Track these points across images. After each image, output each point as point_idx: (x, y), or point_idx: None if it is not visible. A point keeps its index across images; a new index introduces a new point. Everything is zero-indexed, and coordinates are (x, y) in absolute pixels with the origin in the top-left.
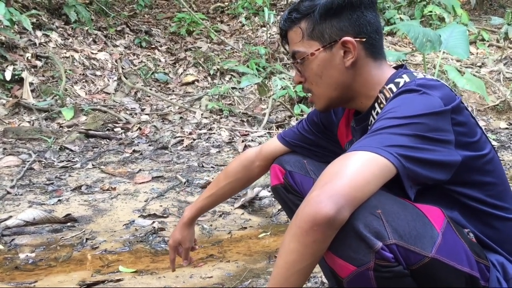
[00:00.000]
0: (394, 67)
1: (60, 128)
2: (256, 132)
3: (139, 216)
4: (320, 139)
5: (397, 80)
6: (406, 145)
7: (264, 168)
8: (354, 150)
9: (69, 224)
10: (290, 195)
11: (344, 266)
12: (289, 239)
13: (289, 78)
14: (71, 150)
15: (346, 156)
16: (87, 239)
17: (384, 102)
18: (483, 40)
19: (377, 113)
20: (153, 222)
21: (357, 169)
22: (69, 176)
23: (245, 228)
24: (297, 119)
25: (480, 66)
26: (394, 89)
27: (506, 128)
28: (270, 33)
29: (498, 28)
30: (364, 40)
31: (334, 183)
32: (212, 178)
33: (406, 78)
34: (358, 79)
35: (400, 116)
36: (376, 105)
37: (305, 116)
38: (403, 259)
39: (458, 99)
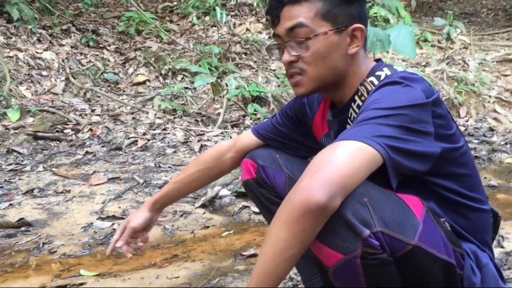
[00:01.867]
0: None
1: (6, 130)
2: (211, 131)
3: (97, 219)
4: (294, 132)
5: (378, 73)
6: (392, 135)
7: (236, 161)
8: (342, 139)
9: (23, 228)
10: (263, 190)
11: (331, 255)
12: (278, 227)
13: (242, 78)
14: (19, 153)
15: (334, 145)
16: (43, 243)
17: (366, 95)
18: (426, 40)
19: (358, 106)
20: (113, 224)
21: (347, 158)
22: (19, 179)
23: (208, 227)
24: (251, 118)
25: (424, 66)
26: (376, 82)
27: None
28: (221, 33)
29: (438, 29)
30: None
31: (325, 171)
32: (171, 178)
33: (387, 71)
34: (351, 68)
35: (386, 107)
36: (357, 97)
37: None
38: (388, 247)
39: (437, 93)
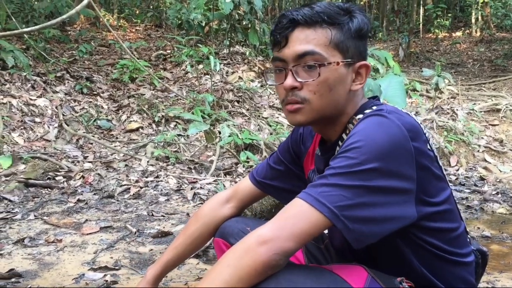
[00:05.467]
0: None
1: None
2: (204, 179)
3: (89, 269)
4: (289, 169)
5: (367, 110)
6: (352, 203)
7: (237, 210)
8: (302, 198)
9: (13, 280)
10: None
11: None
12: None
13: (235, 125)
14: (10, 201)
15: (291, 205)
16: None
17: None
18: (414, 90)
19: None
20: (105, 275)
21: (298, 224)
22: (10, 228)
23: (202, 278)
24: (244, 166)
25: (414, 115)
26: None
27: None
28: (214, 81)
29: (426, 79)
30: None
31: (277, 235)
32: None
33: (375, 108)
34: (349, 105)
35: (357, 161)
36: (344, 135)
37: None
38: None
39: (424, 136)
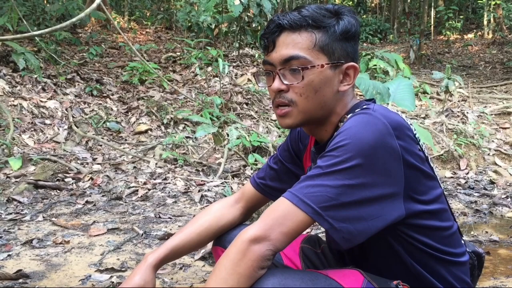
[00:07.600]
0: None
1: (7, 179)
2: (212, 181)
3: (95, 271)
4: (286, 168)
5: (357, 110)
6: (337, 203)
7: (245, 211)
8: (288, 198)
9: (20, 280)
10: None
11: None
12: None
13: (243, 127)
14: (20, 202)
15: (277, 204)
16: None
17: None
18: (424, 92)
19: None
20: (111, 276)
21: (286, 223)
22: (19, 229)
23: None
24: (252, 169)
25: (424, 118)
26: None
27: (451, 177)
28: (223, 83)
29: (437, 81)
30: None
31: (268, 233)
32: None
33: (364, 107)
34: (338, 105)
35: (341, 160)
36: (336, 134)
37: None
38: None
39: (412, 136)
